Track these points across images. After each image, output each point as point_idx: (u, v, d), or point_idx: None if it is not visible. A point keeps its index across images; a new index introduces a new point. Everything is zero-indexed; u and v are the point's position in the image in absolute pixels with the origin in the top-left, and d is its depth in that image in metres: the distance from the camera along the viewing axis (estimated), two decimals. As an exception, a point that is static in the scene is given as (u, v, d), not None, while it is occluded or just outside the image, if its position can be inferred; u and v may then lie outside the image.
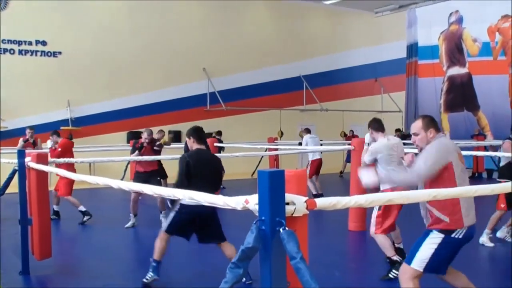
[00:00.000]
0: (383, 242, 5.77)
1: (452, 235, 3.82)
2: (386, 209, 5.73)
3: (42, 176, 5.82)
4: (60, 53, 17.38)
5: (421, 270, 3.86)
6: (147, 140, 8.98)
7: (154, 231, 6.46)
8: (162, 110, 19.01)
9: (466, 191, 3.25)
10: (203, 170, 5.22)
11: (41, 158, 5.81)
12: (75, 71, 17.43)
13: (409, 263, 3.91)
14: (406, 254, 6.28)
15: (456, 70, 20.42)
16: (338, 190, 13.10)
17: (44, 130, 13.16)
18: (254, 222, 2.38)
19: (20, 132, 15.41)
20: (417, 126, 3.99)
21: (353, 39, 23.45)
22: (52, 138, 9.69)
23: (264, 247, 2.37)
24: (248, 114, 20.73)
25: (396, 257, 5.72)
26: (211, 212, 5.27)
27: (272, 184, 2.37)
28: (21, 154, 5.94)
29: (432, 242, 3.84)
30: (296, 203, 2.47)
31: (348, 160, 17.31)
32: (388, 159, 5.75)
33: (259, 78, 21.08)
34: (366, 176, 3.95)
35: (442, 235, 3.82)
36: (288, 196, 2.44)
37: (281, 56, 21.53)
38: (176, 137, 18.80)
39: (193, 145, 5.41)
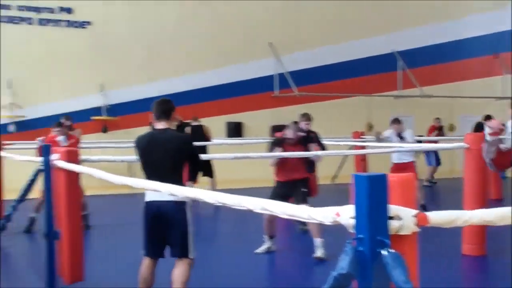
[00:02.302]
0: None
1: None
2: None
3: (73, 178, 6.00)
4: (89, 23, 17.95)
5: None
6: (292, 140, 8.36)
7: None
8: (217, 96, 19.20)
9: None
10: (151, 156, 5.26)
11: (72, 155, 5.98)
12: (109, 46, 17.92)
13: None
14: None
15: None
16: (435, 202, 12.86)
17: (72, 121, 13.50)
18: (349, 241, 2.36)
19: (42, 122, 16.02)
20: None
21: (465, 2, 22.88)
22: (60, 132, 10.05)
23: (362, 274, 2.35)
24: (327, 102, 20.63)
25: None
26: (175, 208, 5.13)
27: (373, 193, 2.34)
28: (45, 151, 6.11)
29: None
30: (403, 217, 2.43)
31: (431, 163, 16.96)
32: None
33: (341, 55, 20.95)
34: None
35: None
36: (393, 209, 2.41)
37: (368, 26, 21.29)
38: (236, 130, 18.92)
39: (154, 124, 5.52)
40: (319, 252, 7.98)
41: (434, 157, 17.05)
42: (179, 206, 5.09)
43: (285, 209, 2.87)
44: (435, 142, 15.01)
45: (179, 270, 5.20)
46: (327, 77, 20.64)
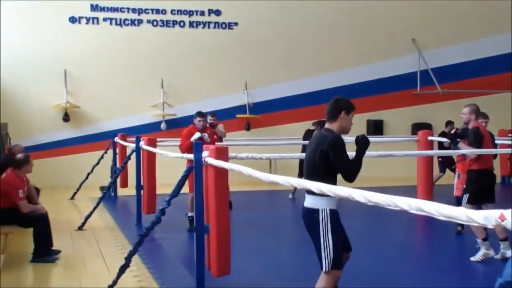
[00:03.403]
0: None
1: None
2: None
3: (222, 175, 6.08)
4: (236, 24, 18.36)
5: None
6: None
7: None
8: (356, 94, 18.90)
9: None
10: (305, 156, 5.16)
11: (221, 153, 6.06)
12: (253, 46, 18.31)
13: None
14: None
15: None
16: None
17: (218, 119, 13.81)
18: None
19: (190, 120, 16.51)
20: None
21: None
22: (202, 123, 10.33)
23: (531, 282, 2.20)
24: (471, 99, 19.81)
25: None
26: (307, 215, 4.93)
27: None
28: (197, 148, 6.24)
29: None
30: None
31: None
32: None
33: (486, 50, 20.12)
34: None
35: None
36: None
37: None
38: (376, 127, 18.64)
39: None
40: (478, 255, 7.45)
41: None
42: (310, 213, 4.86)
43: (442, 210, 2.74)
44: None
45: (318, 282, 4.91)
46: (471, 74, 19.85)
